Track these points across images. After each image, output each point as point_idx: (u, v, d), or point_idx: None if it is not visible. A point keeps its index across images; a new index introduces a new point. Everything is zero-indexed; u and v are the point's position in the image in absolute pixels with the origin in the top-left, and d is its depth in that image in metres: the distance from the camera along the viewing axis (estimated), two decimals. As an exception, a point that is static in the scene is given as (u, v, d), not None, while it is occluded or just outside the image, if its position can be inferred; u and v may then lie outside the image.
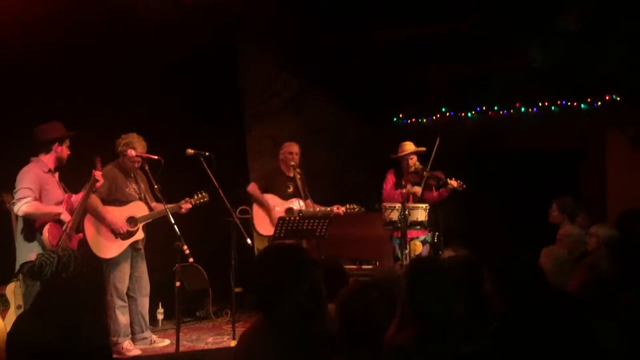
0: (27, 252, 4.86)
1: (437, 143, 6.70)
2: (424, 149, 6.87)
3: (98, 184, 5.23)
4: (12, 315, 4.78)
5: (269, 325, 2.32)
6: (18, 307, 4.87)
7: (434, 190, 6.83)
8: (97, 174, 5.19)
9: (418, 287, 2.68)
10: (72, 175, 5.40)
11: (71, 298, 2.63)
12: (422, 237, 6.79)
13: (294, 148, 6.67)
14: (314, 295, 2.34)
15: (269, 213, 6.54)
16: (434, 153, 6.71)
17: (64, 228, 4.97)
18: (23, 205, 4.89)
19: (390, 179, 6.99)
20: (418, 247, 6.72)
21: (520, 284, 2.84)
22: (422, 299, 2.65)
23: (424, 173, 6.70)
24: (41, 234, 4.89)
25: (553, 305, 2.78)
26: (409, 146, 6.90)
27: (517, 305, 2.76)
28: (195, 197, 5.86)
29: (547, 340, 2.58)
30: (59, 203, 5.09)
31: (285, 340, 2.28)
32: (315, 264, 2.47)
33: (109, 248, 5.58)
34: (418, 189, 6.69)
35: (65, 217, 5.01)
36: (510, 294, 2.83)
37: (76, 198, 5.17)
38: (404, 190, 6.68)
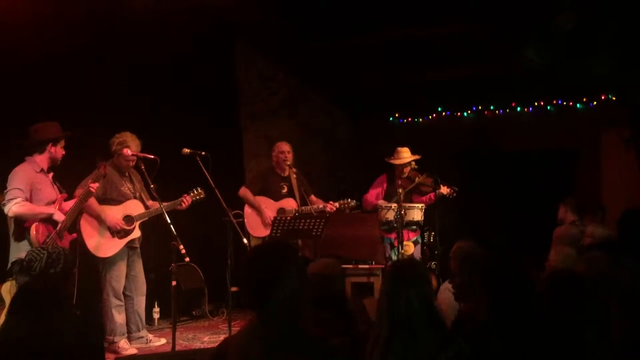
0: (17, 251, 4.87)
1: (424, 176, 6.74)
2: (419, 156, 6.92)
3: (91, 197, 5.28)
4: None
5: (261, 325, 2.31)
6: (13, 306, 4.86)
7: (424, 195, 6.87)
8: (93, 186, 5.20)
9: (395, 291, 2.70)
10: (68, 174, 5.40)
11: (54, 297, 2.64)
12: (413, 238, 6.83)
13: (285, 147, 6.68)
14: (305, 292, 2.34)
15: (260, 215, 6.55)
16: (415, 183, 6.74)
17: (57, 228, 4.98)
18: (13, 206, 4.89)
19: (376, 187, 7.04)
20: (410, 248, 6.75)
21: (504, 284, 2.79)
22: (398, 303, 2.66)
23: (416, 179, 6.76)
24: (29, 232, 4.90)
25: (534, 308, 2.73)
26: (405, 153, 6.94)
27: (499, 306, 2.71)
28: (192, 193, 5.86)
29: (527, 343, 2.55)
30: (51, 203, 5.08)
31: (277, 338, 2.27)
32: (304, 261, 2.47)
33: (106, 247, 5.58)
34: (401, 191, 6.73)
35: (59, 217, 5.00)
36: (494, 294, 2.78)
37: (67, 204, 5.17)
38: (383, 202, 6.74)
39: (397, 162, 6.92)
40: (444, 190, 6.68)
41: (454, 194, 6.73)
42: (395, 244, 6.55)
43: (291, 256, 2.41)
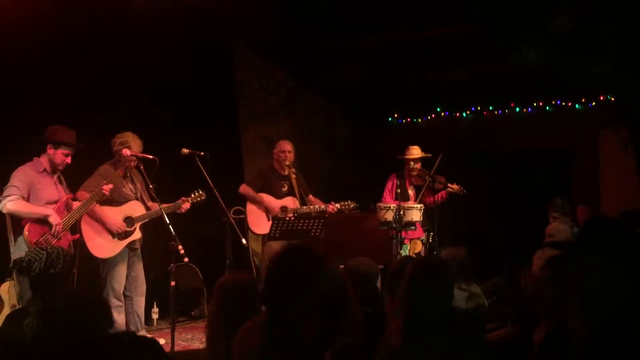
0: (18, 250, 4.88)
1: (438, 160, 6.85)
2: (429, 155, 7.04)
3: (103, 197, 5.30)
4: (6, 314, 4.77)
5: (270, 322, 2.31)
6: (12, 306, 4.86)
7: (434, 195, 6.93)
8: (107, 187, 5.21)
9: (420, 288, 2.67)
10: (67, 175, 5.40)
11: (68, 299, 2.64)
12: (422, 237, 6.93)
13: (287, 146, 6.70)
14: (335, 294, 2.33)
15: (263, 212, 6.56)
16: (434, 169, 6.84)
17: (52, 230, 4.98)
18: (7, 203, 4.91)
19: (388, 188, 7.10)
20: (418, 246, 6.88)
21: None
22: (423, 300, 2.63)
23: (427, 177, 6.84)
24: (23, 231, 4.92)
25: None
26: (416, 150, 7.07)
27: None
28: (193, 195, 5.86)
29: None
30: (52, 203, 5.08)
31: (280, 339, 2.27)
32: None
33: (107, 248, 5.57)
34: (412, 201, 6.89)
35: (54, 219, 5.00)
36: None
37: (77, 205, 5.19)
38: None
39: (407, 157, 7.04)
40: (455, 187, 6.80)
41: (464, 191, 6.84)
42: (406, 242, 6.70)
43: (321, 267, 2.39)
